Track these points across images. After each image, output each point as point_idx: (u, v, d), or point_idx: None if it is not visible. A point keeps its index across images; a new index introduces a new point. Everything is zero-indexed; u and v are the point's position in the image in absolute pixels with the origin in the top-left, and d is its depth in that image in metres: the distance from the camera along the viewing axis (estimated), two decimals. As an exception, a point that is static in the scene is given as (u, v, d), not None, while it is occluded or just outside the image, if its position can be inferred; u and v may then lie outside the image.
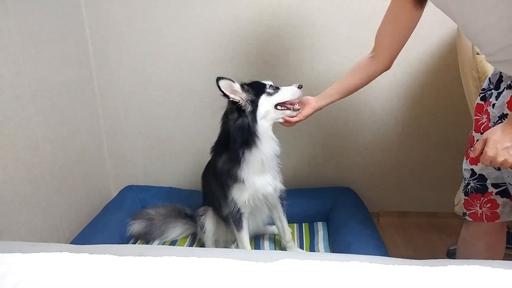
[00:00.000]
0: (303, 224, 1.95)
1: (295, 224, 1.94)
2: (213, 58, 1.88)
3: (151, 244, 1.79)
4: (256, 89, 1.41)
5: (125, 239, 1.77)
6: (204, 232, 1.65)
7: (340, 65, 1.84)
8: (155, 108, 1.99)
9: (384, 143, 1.99)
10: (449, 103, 1.87)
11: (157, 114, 2.00)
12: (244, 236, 1.55)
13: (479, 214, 1.17)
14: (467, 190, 1.18)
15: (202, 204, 1.75)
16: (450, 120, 1.91)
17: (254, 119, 1.38)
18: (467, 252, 1.25)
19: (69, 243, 1.60)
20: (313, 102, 1.40)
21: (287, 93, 1.42)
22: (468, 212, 1.19)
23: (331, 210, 1.93)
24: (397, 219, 2.11)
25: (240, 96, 1.38)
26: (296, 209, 1.93)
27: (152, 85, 1.94)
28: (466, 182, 1.18)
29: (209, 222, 1.65)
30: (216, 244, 1.69)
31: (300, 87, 1.41)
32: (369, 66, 1.28)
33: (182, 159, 2.09)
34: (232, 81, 1.37)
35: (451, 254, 1.76)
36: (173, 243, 1.80)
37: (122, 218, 1.83)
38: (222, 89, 1.35)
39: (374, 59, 1.27)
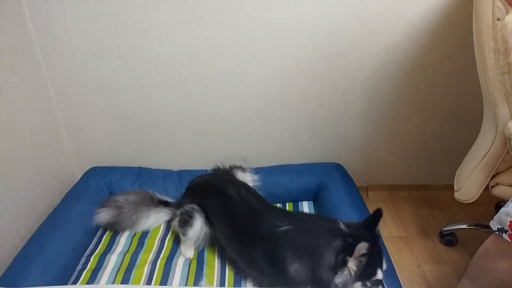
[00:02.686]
0: (287, 203, 1.80)
1: (278, 204, 1.79)
2: (179, 19, 1.57)
3: (122, 234, 1.61)
4: (365, 271, 1.10)
5: (90, 233, 1.58)
6: (186, 237, 1.46)
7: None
8: (113, 79, 1.70)
9: (377, 113, 1.79)
10: (452, 69, 1.65)
11: (117, 87, 1.72)
12: None
13: None
14: None
15: (187, 195, 1.57)
16: (451, 89, 1.71)
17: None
18: (487, 266, 1.12)
19: (27, 242, 1.42)
20: None
21: None
22: (510, 232, 1.02)
23: (317, 189, 1.77)
24: (387, 193, 1.99)
25: (352, 263, 1.10)
26: (279, 187, 1.77)
27: (108, 53, 1.63)
28: None
29: (194, 230, 1.44)
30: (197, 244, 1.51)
31: None
32: None
33: (150, 136, 1.85)
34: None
35: (443, 236, 1.65)
36: (145, 234, 1.62)
37: (86, 208, 1.62)
38: (356, 250, 1.07)
39: None
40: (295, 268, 1.16)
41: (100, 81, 1.70)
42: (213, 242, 1.51)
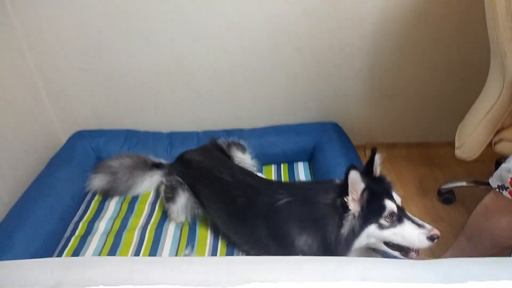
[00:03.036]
0: (282, 164, 1.74)
1: (272, 166, 1.73)
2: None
3: (111, 199, 1.56)
4: (371, 208, 0.98)
5: (77, 199, 1.53)
6: (169, 210, 1.41)
7: None
8: (95, 37, 1.58)
9: (376, 68, 1.69)
10: (457, 20, 1.54)
11: (100, 45, 1.60)
12: None
13: None
14: None
15: (177, 168, 1.48)
16: (456, 42, 1.61)
17: (346, 243, 1.01)
18: (485, 223, 1.09)
19: (10, 210, 1.37)
20: None
21: (411, 237, 0.97)
22: (510, 189, 0.96)
23: (313, 149, 1.71)
24: (385, 152, 1.88)
25: (352, 204, 0.99)
26: (274, 148, 1.71)
27: (88, 9, 1.50)
28: None
29: (177, 206, 1.38)
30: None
31: (433, 238, 0.96)
32: None
33: (137, 97, 1.76)
34: (361, 176, 0.97)
35: (442, 194, 1.61)
36: (134, 199, 1.57)
37: (72, 173, 1.56)
38: (348, 182, 0.96)
39: None
40: (304, 240, 1.07)
41: (80, 40, 1.58)
42: (204, 216, 1.45)
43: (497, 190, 1.01)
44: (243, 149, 1.56)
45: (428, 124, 1.86)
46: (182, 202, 1.38)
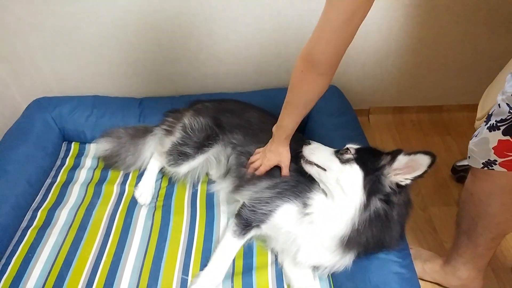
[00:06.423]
0: (272, 136, 1.51)
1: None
2: None
3: (75, 183, 1.36)
4: None
5: (35, 183, 1.32)
6: (175, 170, 1.28)
7: None
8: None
9: (384, 20, 1.41)
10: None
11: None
12: None
13: None
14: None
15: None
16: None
17: None
18: (476, 211, 0.97)
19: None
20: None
21: None
22: (500, 160, 0.82)
23: (308, 117, 1.47)
24: (391, 117, 1.68)
25: None
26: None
27: None
28: None
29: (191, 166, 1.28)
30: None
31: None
32: (321, 87, 0.96)
33: (103, 58, 1.51)
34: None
35: (457, 172, 1.39)
36: (102, 179, 1.37)
37: (29, 152, 1.35)
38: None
39: (324, 76, 0.92)
40: None
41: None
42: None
43: (485, 168, 0.86)
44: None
45: (444, 85, 1.60)
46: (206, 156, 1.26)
